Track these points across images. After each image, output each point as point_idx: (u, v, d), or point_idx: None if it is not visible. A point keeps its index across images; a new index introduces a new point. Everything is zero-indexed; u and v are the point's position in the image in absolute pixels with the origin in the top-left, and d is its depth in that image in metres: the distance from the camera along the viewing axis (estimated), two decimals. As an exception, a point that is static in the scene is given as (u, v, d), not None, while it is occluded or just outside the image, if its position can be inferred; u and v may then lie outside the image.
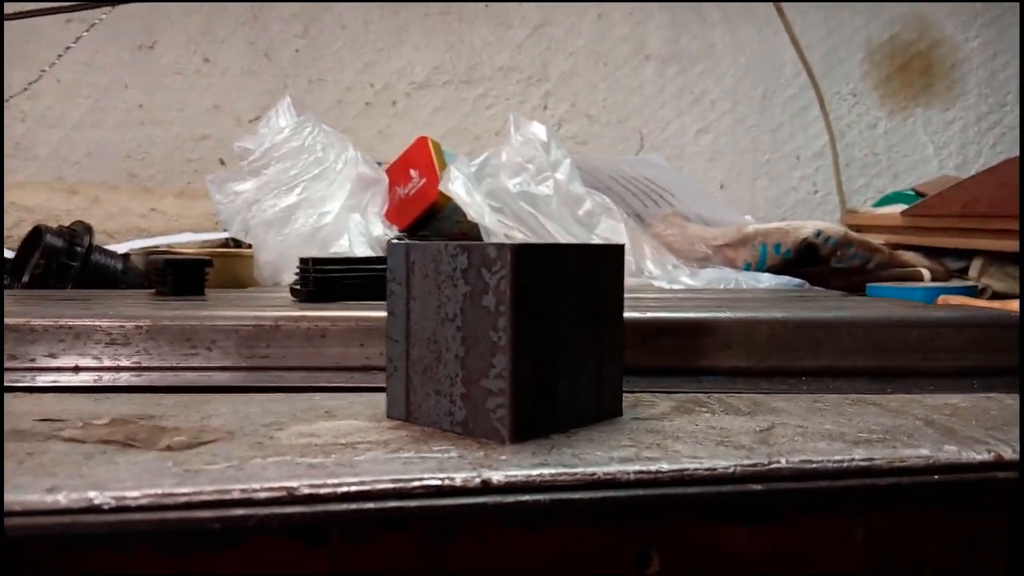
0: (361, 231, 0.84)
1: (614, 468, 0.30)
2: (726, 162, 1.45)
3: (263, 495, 0.27)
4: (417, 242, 0.36)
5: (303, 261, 0.57)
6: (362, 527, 0.27)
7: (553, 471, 0.29)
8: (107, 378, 0.46)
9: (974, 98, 1.54)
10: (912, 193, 1.32)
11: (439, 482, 0.28)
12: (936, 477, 0.31)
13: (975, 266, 0.91)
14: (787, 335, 0.48)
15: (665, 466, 0.30)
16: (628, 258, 0.83)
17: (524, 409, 0.33)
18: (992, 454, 0.32)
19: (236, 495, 0.27)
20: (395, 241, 0.37)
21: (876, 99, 1.50)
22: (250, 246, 0.84)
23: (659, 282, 0.82)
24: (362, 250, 0.82)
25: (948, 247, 0.90)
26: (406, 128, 1.33)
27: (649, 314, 0.48)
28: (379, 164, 1.05)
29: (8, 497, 0.26)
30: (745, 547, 0.30)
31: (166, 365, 0.48)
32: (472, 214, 0.85)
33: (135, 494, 0.27)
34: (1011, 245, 0.81)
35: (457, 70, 1.37)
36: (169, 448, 0.32)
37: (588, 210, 0.87)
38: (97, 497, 0.26)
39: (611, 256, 0.38)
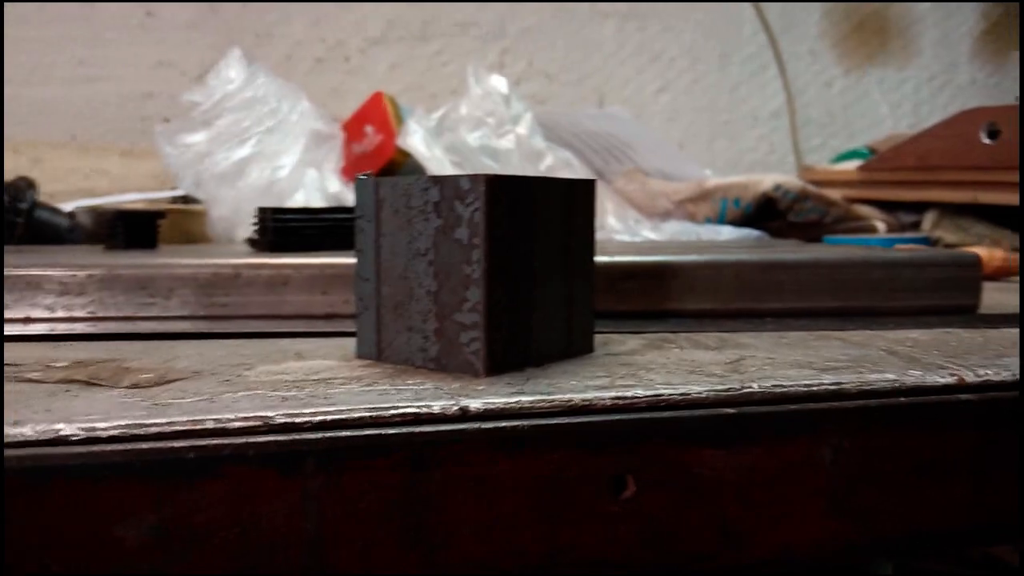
0: (317, 186, 0.83)
1: (591, 395, 0.30)
2: (685, 121, 1.46)
3: (237, 424, 0.27)
4: (386, 177, 0.35)
5: (261, 211, 0.56)
6: (340, 455, 0.27)
7: (531, 399, 0.29)
8: (61, 328, 0.45)
9: (927, 58, 1.56)
10: (866, 151, 1.34)
11: (417, 410, 0.28)
12: (902, 399, 0.32)
13: (928, 218, 0.93)
14: (752, 277, 0.49)
15: (640, 392, 0.30)
16: (590, 212, 0.83)
17: (498, 342, 0.33)
18: (955, 377, 0.33)
19: (210, 425, 0.27)
20: (362, 177, 0.37)
21: (833, 58, 1.51)
22: (201, 204, 0.82)
23: (621, 236, 0.82)
24: (320, 204, 0.80)
25: (903, 200, 0.92)
26: (360, 85, 1.30)
27: (616, 258, 0.48)
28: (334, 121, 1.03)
29: (-31, 431, 0.25)
30: (720, 470, 0.30)
31: (122, 315, 0.46)
32: (432, 169, 0.84)
33: (104, 425, 0.26)
34: (963, 196, 0.83)
35: (412, 26, 1.34)
36: (136, 386, 0.31)
37: (550, 165, 0.87)
38: (65, 428, 0.26)
39: (583, 190, 0.37)
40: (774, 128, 1.51)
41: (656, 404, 0.30)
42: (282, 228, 0.55)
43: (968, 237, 0.90)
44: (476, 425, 0.28)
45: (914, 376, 0.33)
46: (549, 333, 0.36)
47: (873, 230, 0.92)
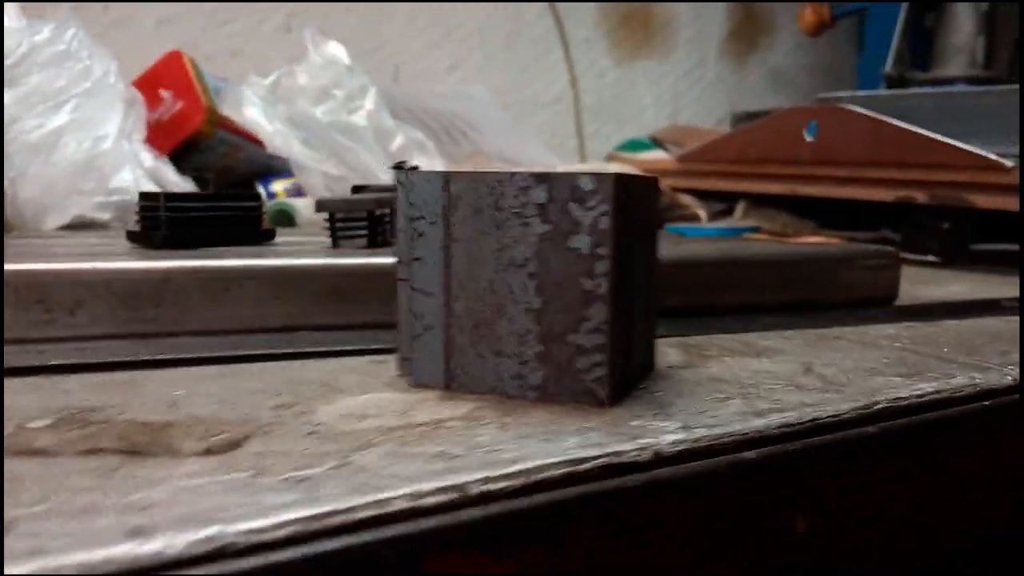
0: (135, 161, 0.69)
1: (755, 423, 0.27)
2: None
3: (431, 501, 0.20)
4: (463, 172, 0.29)
5: (148, 197, 0.45)
6: (550, 522, 0.22)
7: (703, 433, 0.26)
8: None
9: (682, 53, 1.69)
10: (648, 141, 1.42)
11: (607, 460, 0.24)
12: (987, 403, 0.33)
13: (739, 208, 1.01)
14: (712, 273, 0.49)
15: (792, 416, 0.28)
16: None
17: (618, 366, 0.29)
18: (1010, 377, 0.35)
19: (400, 505, 0.20)
20: (408, 169, 0.30)
21: (605, 47, 1.58)
22: None
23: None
24: (150, 186, 0.67)
25: (719, 190, 0.98)
26: (123, 39, 1.12)
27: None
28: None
29: (56, 560, 0.17)
30: (868, 489, 0.29)
31: (13, 336, 0.35)
32: (276, 145, 0.74)
33: (261, 524, 0.18)
34: (782, 189, 0.91)
35: (187, -24, 1.18)
36: (209, 452, 0.23)
37: (401, 145, 0.80)
38: (221, 535, 0.18)
39: (655, 189, 0.34)
40: (555, 113, 1.55)
41: (815, 428, 0.28)
42: (180, 219, 0.45)
43: (775, 225, 0.98)
44: (670, 471, 0.24)
45: (977, 378, 0.34)
46: (640, 349, 0.32)
47: (696, 218, 0.97)
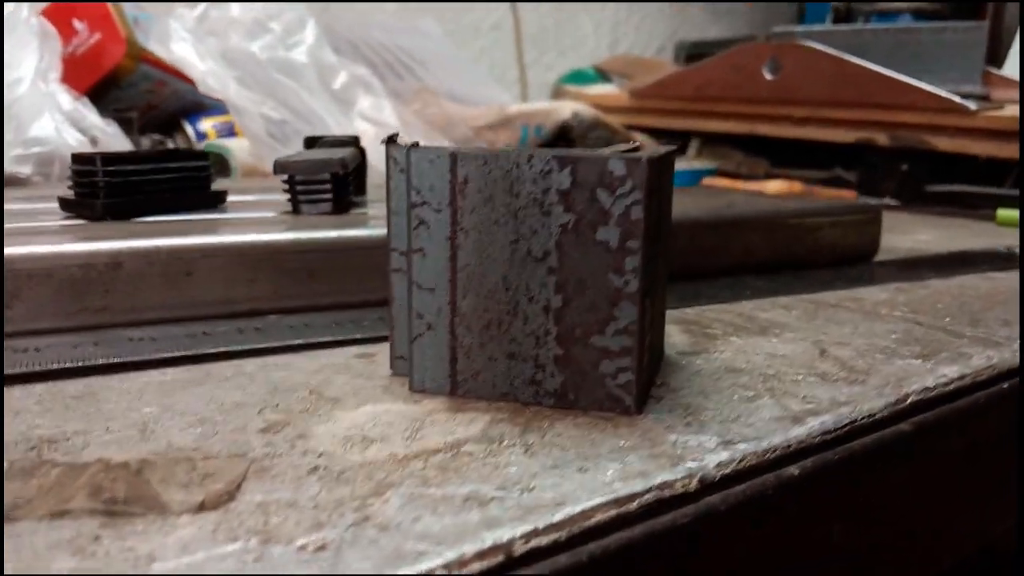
0: (54, 106, 0.63)
1: (795, 432, 0.25)
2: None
3: (475, 567, 0.18)
4: (472, 150, 0.26)
5: (82, 160, 0.40)
6: (601, 572, 0.19)
7: (745, 449, 0.24)
8: None
9: (624, -21, 1.63)
10: (592, 72, 1.38)
11: (657, 495, 0.21)
12: (1006, 385, 0.32)
13: (693, 146, 0.99)
14: (704, 237, 0.46)
15: (829, 420, 0.26)
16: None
17: (644, 370, 0.26)
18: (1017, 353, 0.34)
19: (441, 573, 0.17)
20: (406, 145, 0.27)
21: (547, -29, 1.51)
22: None
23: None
24: (71, 133, 0.61)
25: (674, 129, 0.96)
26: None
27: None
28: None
29: None
30: (902, 487, 0.28)
31: (-64, 336, 0.30)
32: (210, 85, 0.68)
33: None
34: (741, 128, 0.89)
35: None
36: (203, 507, 0.19)
37: (344, 83, 0.75)
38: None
39: (672, 160, 0.31)
40: (495, 40, 1.48)
41: (852, 431, 0.26)
42: (120, 185, 0.40)
43: (728, 164, 0.96)
44: (716, 499, 0.22)
45: (992, 357, 0.33)
46: (657, 342, 0.30)
47: (651, 157, 0.94)
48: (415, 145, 0.26)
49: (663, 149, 0.28)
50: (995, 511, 0.34)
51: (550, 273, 0.26)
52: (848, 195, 0.79)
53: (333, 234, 0.37)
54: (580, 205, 0.25)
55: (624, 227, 0.25)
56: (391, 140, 0.27)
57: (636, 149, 0.29)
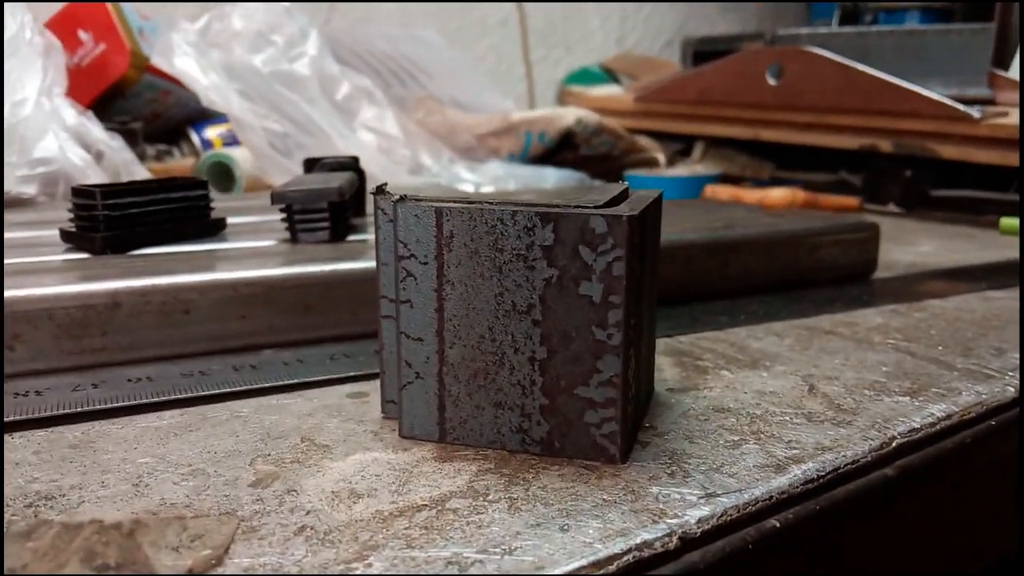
0: (59, 123, 0.63)
1: (778, 483, 0.25)
2: (416, 27, 1.36)
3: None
4: (458, 205, 0.26)
5: (81, 193, 0.40)
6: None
7: (726, 503, 0.24)
8: None
9: (631, -27, 1.62)
10: (599, 71, 1.38)
11: (636, 555, 0.22)
12: (993, 421, 0.32)
13: (697, 149, 0.98)
14: (702, 260, 0.47)
15: (812, 468, 0.26)
16: (405, 152, 0.74)
17: (629, 418, 0.27)
18: (1011, 388, 0.34)
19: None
20: (393, 196, 0.27)
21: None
22: None
23: (439, 179, 0.75)
24: (76, 151, 0.61)
25: (678, 133, 0.96)
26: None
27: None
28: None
29: None
30: (884, 531, 0.28)
31: (-61, 379, 0.31)
32: (212, 99, 0.68)
33: None
34: (744, 133, 0.88)
35: None
36: (191, 573, 0.20)
37: (347, 94, 0.75)
38: None
39: (659, 205, 0.31)
40: (503, 37, 1.48)
41: (831, 481, 0.26)
42: (120, 218, 0.40)
43: (733, 167, 0.96)
44: (700, 554, 0.23)
45: (982, 392, 0.33)
46: (643, 382, 0.30)
47: (655, 162, 0.94)
48: (403, 198, 0.27)
49: (648, 198, 0.29)
50: (978, 547, 0.34)
51: (535, 325, 0.26)
52: (852, 202, 0.79)
53: (328, 268, 0.37)
54: (563, 260, 0.25)
55: (606, 283, 0.25)
56: (380, 190, 0.28)
57: (624, 193, 0.30)
